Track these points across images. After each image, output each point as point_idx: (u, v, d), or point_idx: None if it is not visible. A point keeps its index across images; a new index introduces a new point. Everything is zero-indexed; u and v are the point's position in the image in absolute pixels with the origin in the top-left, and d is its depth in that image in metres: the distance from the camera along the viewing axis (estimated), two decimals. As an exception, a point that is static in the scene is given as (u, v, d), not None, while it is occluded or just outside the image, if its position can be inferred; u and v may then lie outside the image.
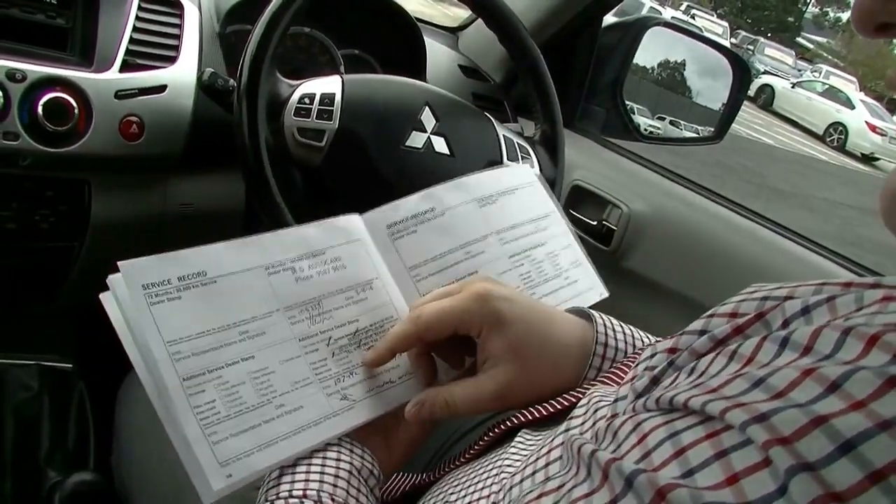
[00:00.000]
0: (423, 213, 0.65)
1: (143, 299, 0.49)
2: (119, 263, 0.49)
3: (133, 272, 0.49)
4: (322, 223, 0.60)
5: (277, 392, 0.51)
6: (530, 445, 0.49)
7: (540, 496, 0.34)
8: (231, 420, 0.49)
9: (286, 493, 0.49)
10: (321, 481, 0.50)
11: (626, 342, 0.58)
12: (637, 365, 0.39)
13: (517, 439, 0.50)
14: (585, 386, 0.53)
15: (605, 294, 0.72)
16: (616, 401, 0.37)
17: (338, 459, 0.52)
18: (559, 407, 0.51)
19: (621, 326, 0.59)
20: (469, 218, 0.67)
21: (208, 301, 0.51)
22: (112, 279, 0.50)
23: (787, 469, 0.23)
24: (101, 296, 0.51)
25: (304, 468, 0.51)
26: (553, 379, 0.54)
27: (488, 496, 0.45)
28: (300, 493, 0.49)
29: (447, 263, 0.64)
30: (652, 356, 0.38)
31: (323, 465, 0.51)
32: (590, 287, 0.72)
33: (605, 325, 0.58)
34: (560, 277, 0.70)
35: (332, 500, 0.49)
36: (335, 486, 0.50)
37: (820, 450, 0.23)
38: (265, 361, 0.52)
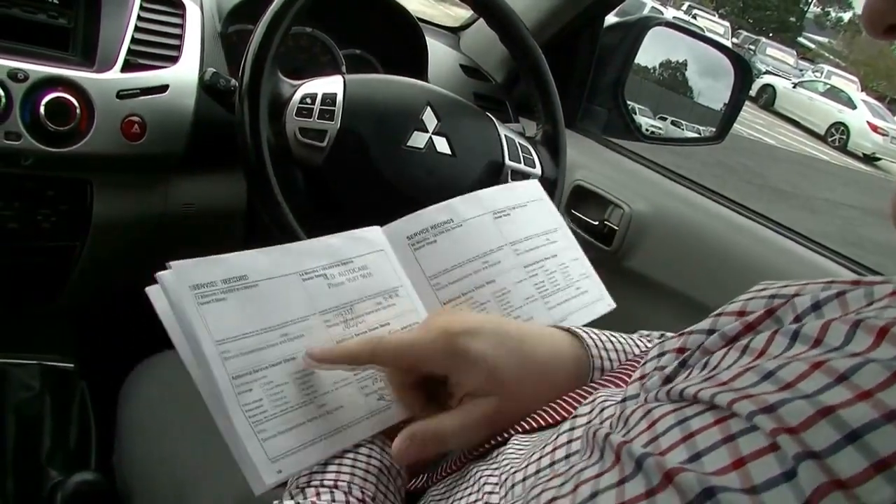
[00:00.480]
0: (442, 224, 0.66)
1: (193, 298, 0.51)
2: (171, 263, 0.51)
3: (182, 272, 0.51)
4: (345, 234, 0.62)
5: (318, 392, 0.54)
6: (525, 443, 0.49)
7: (552, 478, 0.34)
8: (277, 418, 0.51)
9: (317, 482, 0.50)
10: (352, 475, 0.51)
11: (619, 360, 0.57)
12: (644, 364, 0.39)
13: (513, 441, 0.50)
14: (589, 387, 0.53)
15: (613, 305, 0.73)
16: (625, 399, 0.37)
17: (369, 456, 0.53)
18: (557, 418, 0.51)
19: (611, 342, 0.58)
20: (485, 229, 0.68)
21: (251, 304, 0.53)
22: (163, 275, 0.51)
23: (794, 455, 0.23)
24: (148, 289, 0.53)
25: (335, 461, 0.52)
26: (544, 398, 0.53)
27: (483, 497, 0.45)
28: (331, 482, 0.50)
29: (466, 273, 0.65)
30: (660, 356, 0.38)
31: (354, 461, 0.52)
32: (598, 298, 0.73)
33: (597, 347, 0.57)
34: (571, 287, 0.71)
35: (363, 493, 0.50)
36: (365, 480, 0.51)
37: (826, 439, 0.23)
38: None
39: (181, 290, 0.51)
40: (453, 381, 0.54)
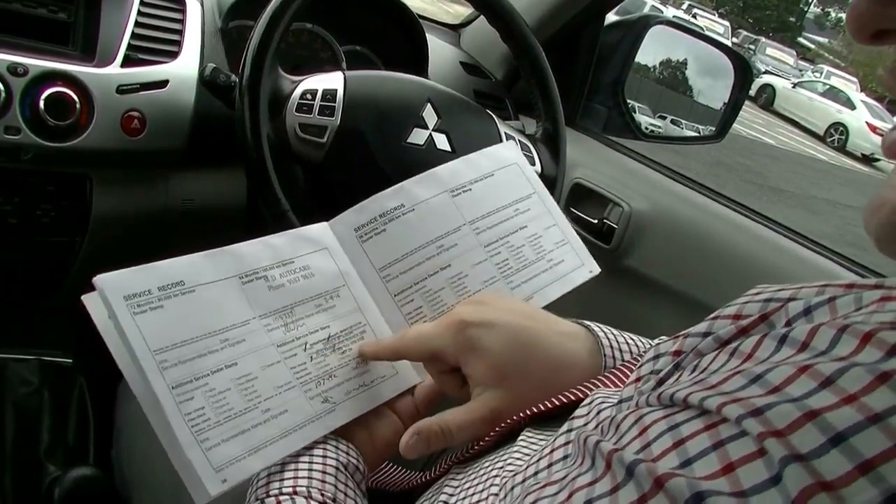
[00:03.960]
0: (392, 211, 0.65)
1: (127, 310, 0.50)
2: (97, 277, 0.50)
3: (115, 283, 0.50)
4: (290, 233, 0.61)
5: (262, 397, 0.53)
6: (533, 446, 0.49)
7: (545, 486, 0.34)
8: (221, 426, 0.50)
9: (276, 491, 0.50)
10: (309, 478, 0.51)
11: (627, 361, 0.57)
12: (641, 366, 0.39)
13: (520, 440, 0.50)
14: (590, 383, 0.53)
15: (596, 270, 0.71)
16: (620, 402, 0.38)
17: (324, 456, 0.53)
18: (557, 404, 0.51)
19: (627, 343, 0.59)
20: (441, 210, 0.66)
21: (189, 310, 0.52)
22: (97, 285, 0.50)
23: (781, 459, 0.24)
24: (84, 297, 0.52)
25: (291, 466, 0.52)
26: (549, 395, 0.54)
27: (487, 498, 0.46)
28: (290, 489, 0.50)
29: (418, 260, 0.64)
30: (656, 358, 0.38)
31: (310, 463, 0.52)
32: (577, 266, 0.71)
33: (611, 347, 0.57)
34: (542, 261, 0.69)
35: (322, 495, 0.50)
36: (323, 482, 0.51)
37: (812, 442, 0.23)
38: (248, 368, 0.53)
39: (115, 301, 0.50)
40: (464, 371, 0.55)
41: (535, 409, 0.52)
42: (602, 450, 0.31)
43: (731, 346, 0.31)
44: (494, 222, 0.68)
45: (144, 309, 0.50)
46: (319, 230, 0.63)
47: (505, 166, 0.72)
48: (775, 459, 0.24)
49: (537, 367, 0.55)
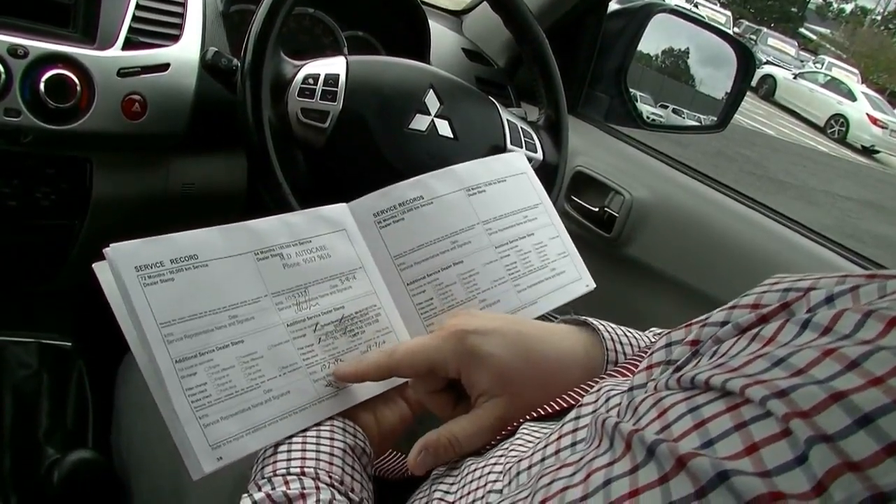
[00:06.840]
0: (412, 201, 0.65)
1: (137, 281, 0.50)
2: (111, 246, 0.50)
3: (127, 252, 0.50)
4: (308, 212, 0.61)
5: (265, 377, 0.53)
6: (535, 434, 0.49)
7: (560, 468, 0.34)
8: (221, 403, 0.50)
9: (283, 470, 0.50)
10: (317, 459, 0.51)
11: (632, 354, 0.57)
12: (652, 354, 0.39)
13: (522, 431, 0.50)
14: (591, 383, 0.53)
15: (592, 286, 0.72)
16: (632, 389, 0.37)
17: (331, 438, 0.53)
18: (564, 405, 0.51)
19: (626, 336, 0.58)
20: (457, 207, 0.67)
21: (200, 284, 0.52)
22: (108, 254, 0.50)
23: (807, 439, 0.24)
24: (95, 265, 0.51)
25: (298, 446, 0.52)
26: (551, 396, 0.54)
27: (485, 485, 0.46)
28: (298, 469, 0.50)
29: (433, 252, 0.64)
30: (668, 346, 0.38)
31: (318, 444, 0.52)
32: (576, 278, 0.72)
33: (612, 341, 0.57)
34: (546, 268, 0.70)
35: (329, 476, 0.50)
36: (331, 463, 0.51)
37: (838, 423, 0.23)
38: (254, 346, 0.53)
39: (125, 271, 0.49)
40: (465, 381, 0.54)
41: (538, 412, 0.52)
42: (621, 431, 0.31)
43: (752, 332, 0.31)
44: (505, 226, 0.69)
45: (155, 281, 0.50)
46: (339, 211, 0.62)
47: (516, 174, 0.72)
48: (801, 440, 0.24)
49: (539, 370, 0.54)
